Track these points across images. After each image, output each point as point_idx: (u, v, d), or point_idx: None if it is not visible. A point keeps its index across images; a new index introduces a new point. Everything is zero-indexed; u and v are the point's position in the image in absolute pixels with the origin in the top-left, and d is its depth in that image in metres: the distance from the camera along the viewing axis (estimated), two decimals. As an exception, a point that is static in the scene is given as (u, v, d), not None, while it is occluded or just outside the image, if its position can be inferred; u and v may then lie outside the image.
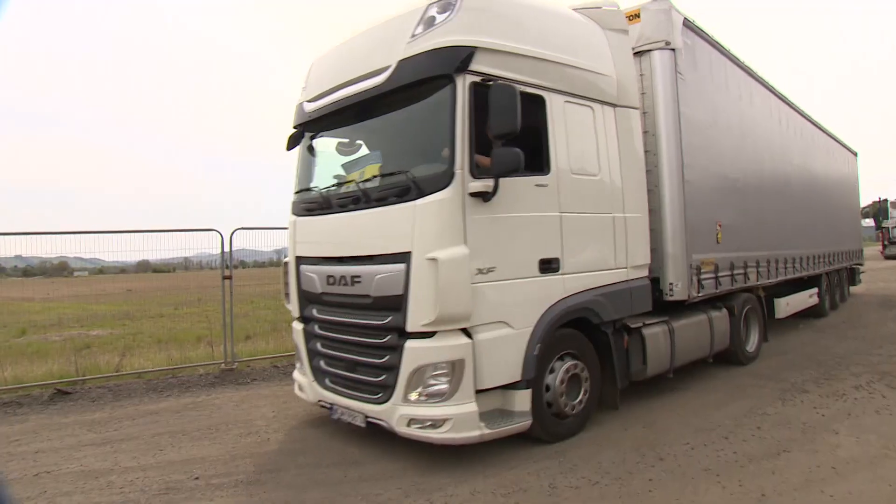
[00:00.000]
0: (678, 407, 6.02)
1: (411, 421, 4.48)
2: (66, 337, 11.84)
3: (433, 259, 4.29)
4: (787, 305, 9.70)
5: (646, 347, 5.98)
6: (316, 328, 5.44)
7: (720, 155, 7.26)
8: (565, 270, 5.09)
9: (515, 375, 4.67)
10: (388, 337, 4.63)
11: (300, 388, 5.78)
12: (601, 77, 5.59)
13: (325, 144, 5.94)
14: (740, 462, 4.49)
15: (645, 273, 6.02)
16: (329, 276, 5.17)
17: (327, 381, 5.32)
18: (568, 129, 5.21)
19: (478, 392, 4.50)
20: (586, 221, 5.34)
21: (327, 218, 5.29)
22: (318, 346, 5.42)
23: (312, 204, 5.53)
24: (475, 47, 4.48)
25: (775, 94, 9.52)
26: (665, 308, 6.39)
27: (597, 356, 5.46)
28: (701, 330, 6.89)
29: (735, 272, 7.43)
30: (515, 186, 4.74)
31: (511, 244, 4.70)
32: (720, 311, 7.30)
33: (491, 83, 4.46)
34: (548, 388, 4.98)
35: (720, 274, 7.06)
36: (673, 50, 6.36)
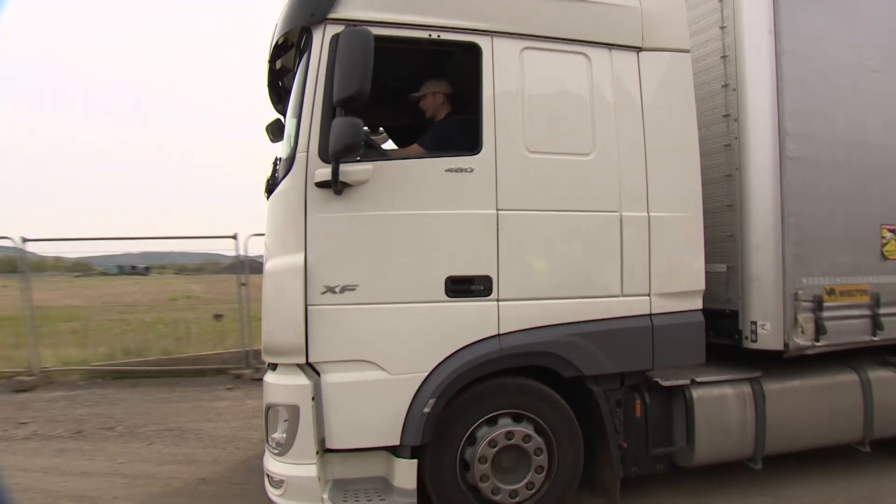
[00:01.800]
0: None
1: (266, 474, 3.52)
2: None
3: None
4: None
5: (693, 417, 3.83)
6: None
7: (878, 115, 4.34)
8: (503, 295, 3.47)
9: (389, 438, 3.32)
10: (268, 366, 3.74)
11: None
12: (611, 7, 3.70)
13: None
14: None
15: (692, 305, 3.84)
16: None
17: None
18: (527, 86, 3.55)
19: (338, 451, 3.33)
20: (557, 223, 3.58)
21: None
22: None
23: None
24: None
25: None
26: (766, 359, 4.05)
27: (574, 421, 3.65)
28: (843, 398, 4.22)
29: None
30: (410, 172, 3.40)
31: (389, 254, 3.36)
32: (890, 370, 4.39)
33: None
34: (468, 466, 3.47)
35: (884, 311, 4.21)
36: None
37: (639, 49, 3.76)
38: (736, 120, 4.06)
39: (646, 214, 3.71)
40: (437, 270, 3.39)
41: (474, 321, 3.43)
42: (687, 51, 3.88)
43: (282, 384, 3.31)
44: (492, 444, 3.45)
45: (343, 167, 3.16)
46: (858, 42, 4.26)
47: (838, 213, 4.10)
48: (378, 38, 3.23)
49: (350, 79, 3.04)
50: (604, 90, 3.68)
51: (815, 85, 4.03)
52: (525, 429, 3.50)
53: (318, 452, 3.27)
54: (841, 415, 4.21)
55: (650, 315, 3.72)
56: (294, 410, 3.24)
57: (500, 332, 3.45)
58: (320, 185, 3.21)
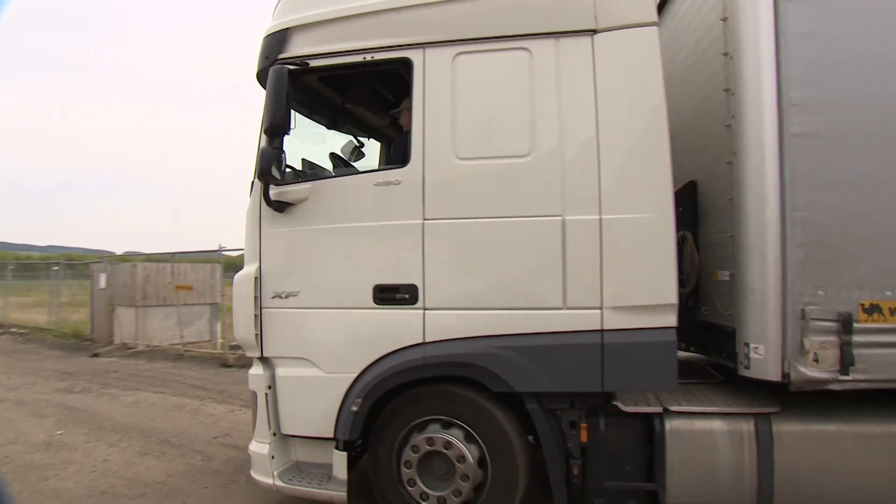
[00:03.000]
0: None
1: None
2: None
3: None
4: None
5: (665, 453, 3.28)
6: None
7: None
8: (429, 304, 3.51)
9: (325, 430, 3.65)
10: None
11: None
12: None
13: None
14: None
15: (660, 321, 3.27)
16: None
17: None
18: (458, 93, 3.52)
19: (299, 437, 3.81)
20: (488, 231, 3.46)
21: None
22: None
23: None
24: (287, 29, 3.76)
25: None
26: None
27: (507, 434, 3.47)
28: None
29: None
30: (344, 189, 3.70)
31: (323, 264, 3.68)
32: None
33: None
34: (408, 465, 3.60)
35: None
36: None
37: (593, 32, 3.39)
38: (734, 94, 3.32)
39: (597, 217, 3.32)
40: (366, 279, 3.60)
41: (400, 328, 3.54)
42: (652, 23, 3.33)
43: (250, 373, 3.92)
44: (414, 448, 3.53)
45: (282, 188, 3.63)
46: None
47: (862, 203, 3.02)
48: (327, 67, 3.64)
49: (267, 112, 3.50)
50: (546, 84, 3.41)
51: (836, 37, 3.05)
52: (449, 436, 3.48)
53: (274, 434, 3.79)
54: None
55: (601, 331, 3.31)
56: (254, 396, 3.83)
57: (426, 341, 3.50)
58: (268, 204, 3.72)
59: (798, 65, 3.06)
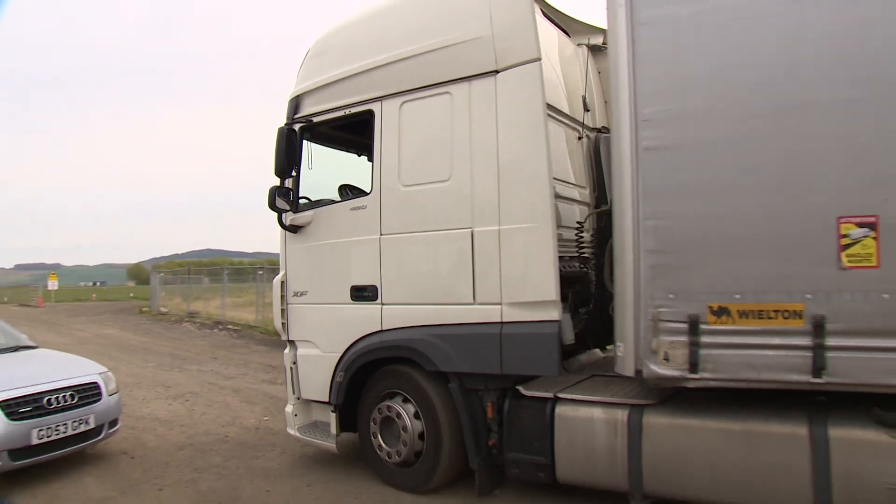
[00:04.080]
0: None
1: None
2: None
3: None
4: None
5: (553, 433, 3.79)
6: None
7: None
8: (385, 300, 4.49)
9: (325, 396, 4.84)
10: None
11: None
12: (464, 45, 4.12)
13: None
14: None
15: (545, 315, 3.77)
16: None
17: None
18: (403, 133, 4.45)
19: (316, 402, 5.11)
20: (420, 242, 4.32)
21: None
22: None
23: None
24: (300, 94, 5.06)
25: None
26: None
27: (434, 406, 4.28)
28: (776, 455, 3.10)
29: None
30: (333, 214, 4.88)
31: (321, 270, 4.87)
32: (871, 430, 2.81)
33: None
34: (374, 422, 4.63)
35: (832, 342, 2.85)
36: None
37: (496, 72, 4.02)
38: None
39: (497, 228, 3.96)
40: (346, 281, 4.71)
41: (367, 319, 4.57)
42: (535, 59, 3.83)
43: (284, 353, 5.32)
44: (379, 411, 4.54)
45: (295, 215, 4.95)
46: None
47: (749, 206, 3.07)
48: (324, 122, 4.90)
49: (275, 160, 4.82)
50: (462, 120, 4.15)
51: (684, 56, 3.20)
52: (398, 406, 4.41)
53: (297, 398, 5.13)
54: (772, 477, 3.08)
55: (501, 323, 3.93)
56: (286, 370, 5.22)
57: (383, 329, 4.48)
58: (286, 228, 5.06)
59: (649, 83, 3.29)
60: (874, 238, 2.83)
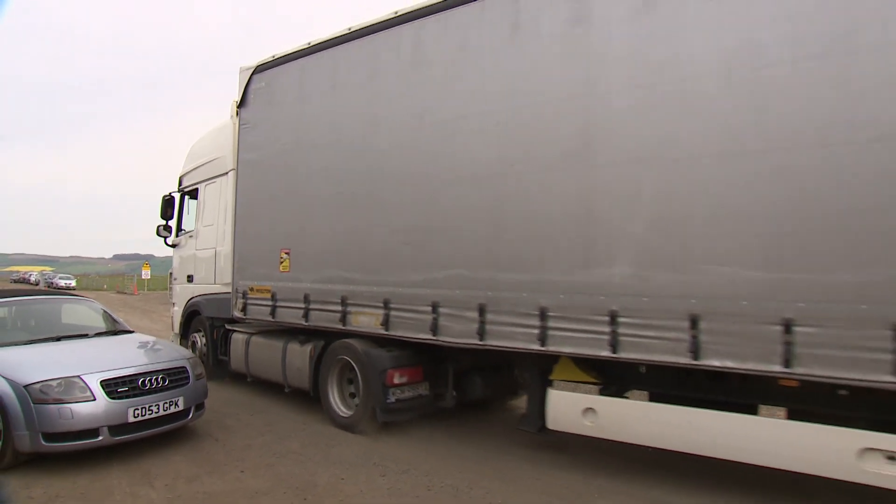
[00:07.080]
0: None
1: None
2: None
3: None
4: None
5: (229, 345, 8.08)
6: None
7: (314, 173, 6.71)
8: (195, 282, 9.07)
9: (178, 329, 9.49)
10: None
11: None
12: (223, 158, 8.50)
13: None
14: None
15: (228, 289, 8.01)
16: None
17: None
18: (206, 199, 8.97)
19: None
20: (204, 253, 8.82)
21: None
22: None
23: None
24: (181, 175, 9.82)
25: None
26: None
27: (210, 336, 8.71)
28: (272, 354, 7.11)
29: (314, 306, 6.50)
30: (182, 240, 9.54)
31: (181, 267, 9.56)
32: (301, 345, 6.78)
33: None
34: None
35: (280, 304, 6.89)
36: (240, 108, 7.62)
37: (228, 172, 8.37)
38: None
39: (221, 249, 8.33)
40: (185, 272, 9.34)
41: (190, 292, 9.13)
42: (232, 170, 8.09)
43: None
44: (191, 339, 9.13)
45: (173, 239, 9.74)
46: (296, 135, 6.96)
47: (259, 244, 7.17)
48: (188, 192, 9.67)
49: (159, 214, 9.62)
50: (223, 192, 8.53)
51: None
52: (198, 337, 8.96)
53: (175, 333, 9.91)
54: (274, 364, 7.08)
55: (222, 293, 8.25)
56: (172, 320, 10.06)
57: (194, 296, 9.03)
58: (167, 245, 9.86)
59: (240, 196, 7.50)
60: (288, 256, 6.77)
